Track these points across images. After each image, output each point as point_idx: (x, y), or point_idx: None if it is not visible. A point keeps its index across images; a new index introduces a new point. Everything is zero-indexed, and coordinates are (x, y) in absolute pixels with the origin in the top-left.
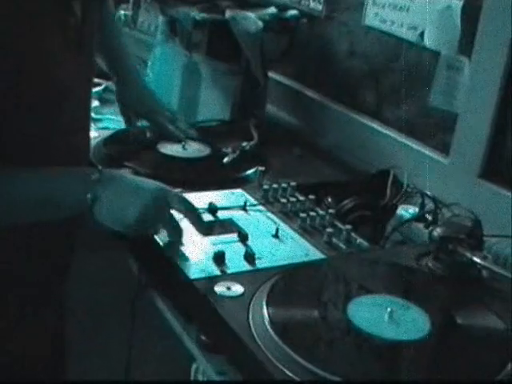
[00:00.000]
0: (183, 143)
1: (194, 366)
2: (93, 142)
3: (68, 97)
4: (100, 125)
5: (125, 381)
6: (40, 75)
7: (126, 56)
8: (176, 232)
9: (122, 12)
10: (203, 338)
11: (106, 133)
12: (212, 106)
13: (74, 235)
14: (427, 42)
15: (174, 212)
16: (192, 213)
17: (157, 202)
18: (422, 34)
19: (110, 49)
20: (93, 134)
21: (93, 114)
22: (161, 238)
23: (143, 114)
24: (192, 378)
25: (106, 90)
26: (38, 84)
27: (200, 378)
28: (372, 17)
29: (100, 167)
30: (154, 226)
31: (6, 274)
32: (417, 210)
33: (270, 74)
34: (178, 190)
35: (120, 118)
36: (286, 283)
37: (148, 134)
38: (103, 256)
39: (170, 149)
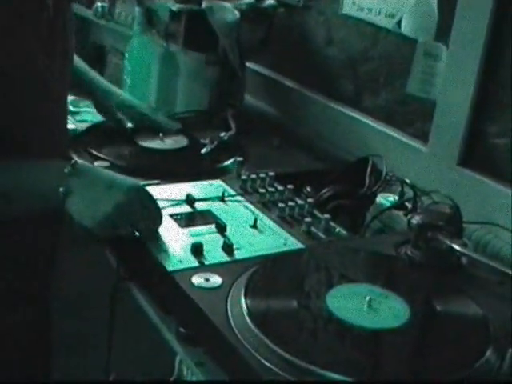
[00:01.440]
0: (161, 135)
1: (177, 359)
2: (70, 135)
3: (42, 89)
4: (78, 117)
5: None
6: (13, 67)
7: (86, 73)
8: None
9: (99, 4)
10: (182, 330)
11: (84, 125)
12: (190, 97)
13: (56, 230)
14: (404, 29)
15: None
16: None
17: (130, 199)
18: (399, 22)
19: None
20: (70, 126)
21: (70, 107)
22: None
23: (127, 116)
24: (176, 370)
25: None
26: (11, 76)
27: (184, 370)
28: (349, 5)
29: (74, 160)
30: (125, 224)
31: None
32: (396, 198)
33: (248, 64)
34: (155, 182)
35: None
36: (265, 273)
37: (125, 126)
38: (81, 248)
39: (148, 141)
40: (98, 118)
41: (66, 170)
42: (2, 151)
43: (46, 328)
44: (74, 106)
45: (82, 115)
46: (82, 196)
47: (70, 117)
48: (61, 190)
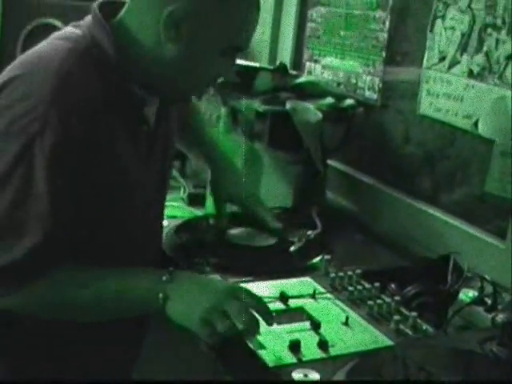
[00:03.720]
0: (251, 232)
1: None
2: (164, 231)
3: (140, 198)
4: (167, 212)
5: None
6: (113, 180)
7: (216, 146)
8: (250, 324)
9: None
10: None
11: (175, 221)
12: (273, 194)
13: (147, 322)
14: (482, 130)
15: None
16: (259, 306)
17: (223, 301)
18: (476, 123)
19: (201, 143)
20: (163, 222)
21: None
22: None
23: (237, 201)
24: None
25: None
26: (111, 188)
27: None
28: (427, 106)
29: (171, 268)
30: (223, 323)
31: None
32: (476, 293)
33: (329, 162)
34: (249, 279)
35: (183, 205)
36: (360, 370)
37: (217, 223)
38: (175, 339)
39: (239, 237)
40: (186, 212)
41: (164, 278)
42: (102, 262)
43: None
44: None
45: (171, 210)
46: (181, 300)
47: None
48: (160, 296)
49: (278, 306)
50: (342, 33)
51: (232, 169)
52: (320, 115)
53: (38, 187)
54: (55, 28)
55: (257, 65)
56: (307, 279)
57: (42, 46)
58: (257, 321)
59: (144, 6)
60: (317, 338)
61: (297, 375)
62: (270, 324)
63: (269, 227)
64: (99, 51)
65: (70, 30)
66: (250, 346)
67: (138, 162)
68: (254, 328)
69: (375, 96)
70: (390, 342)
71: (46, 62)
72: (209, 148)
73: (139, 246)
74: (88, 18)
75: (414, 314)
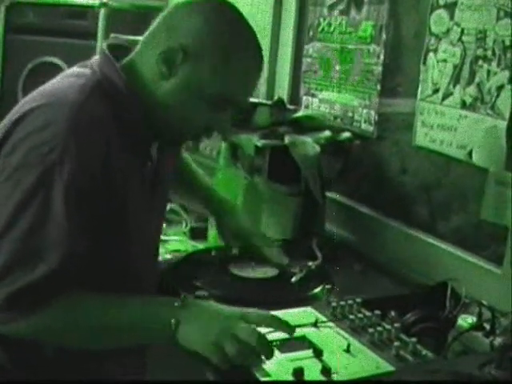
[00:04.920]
0: (253, 264)
1: None
2: (168, 264)
3: (141, 229)
4: (169, 246)
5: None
6: (122, 208)
7: (214, 191)
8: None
9: None
10: None
11: (178, 255)
12: (274, 226)
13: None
14: (476, 159)
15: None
16: (273, 321)
17: (234, 325)
18: (470, 152)
19: (199, 190)
20: (167, 256)
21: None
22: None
23: (242, 241)
24: None
25: (169, 211)
26: (120, 216)
27: None
28: (422, 137)
29: (183, 295)
30: (232, 347)
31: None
32: (474, 319)
33: (327, 193)
34: (252, 310)
35: (185, 239)
36: None
37: (218, 256)
38: (180, 365)
39: (241, 270)
40: (189, 246)
41: (176, 304)
42: (101, 287)
43: None
44: (163, 235)
45: (173, 244)
46: (192, 326)
47: (161, 247)
48: (172, 321)
49: (281, 335)
50: (337, 67)
51: (234, 210)
52: (318, 148)
53: (56, 214)
54: (55, 66)
55: (255, 100)
56: (309, 309)
57: (54, 82)
58: (268, 342)
59: (150, 44)
60: (320, 366)
61: None
62: (291, 333)
63: (274, 263)
64: (110, 86)
65: (78, 69)
66: (255, 374)
67: (144, 194)
68: (267, 349)
69: (371, 128)
70: (391, 368)
71: (61, 96)
72: (207, 193)
73: (140, 271)
74: (95, 58)
75: (414, 339)
